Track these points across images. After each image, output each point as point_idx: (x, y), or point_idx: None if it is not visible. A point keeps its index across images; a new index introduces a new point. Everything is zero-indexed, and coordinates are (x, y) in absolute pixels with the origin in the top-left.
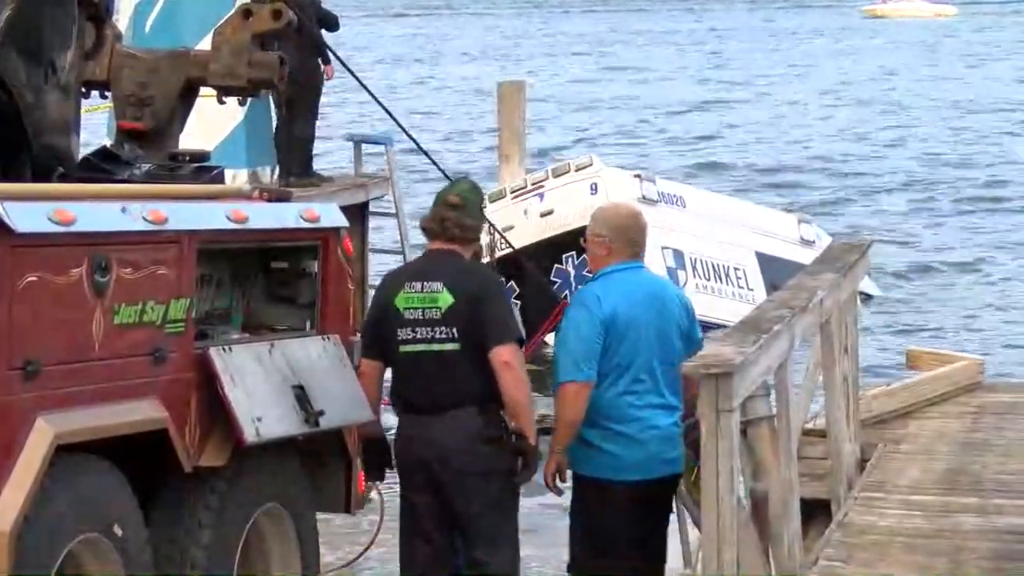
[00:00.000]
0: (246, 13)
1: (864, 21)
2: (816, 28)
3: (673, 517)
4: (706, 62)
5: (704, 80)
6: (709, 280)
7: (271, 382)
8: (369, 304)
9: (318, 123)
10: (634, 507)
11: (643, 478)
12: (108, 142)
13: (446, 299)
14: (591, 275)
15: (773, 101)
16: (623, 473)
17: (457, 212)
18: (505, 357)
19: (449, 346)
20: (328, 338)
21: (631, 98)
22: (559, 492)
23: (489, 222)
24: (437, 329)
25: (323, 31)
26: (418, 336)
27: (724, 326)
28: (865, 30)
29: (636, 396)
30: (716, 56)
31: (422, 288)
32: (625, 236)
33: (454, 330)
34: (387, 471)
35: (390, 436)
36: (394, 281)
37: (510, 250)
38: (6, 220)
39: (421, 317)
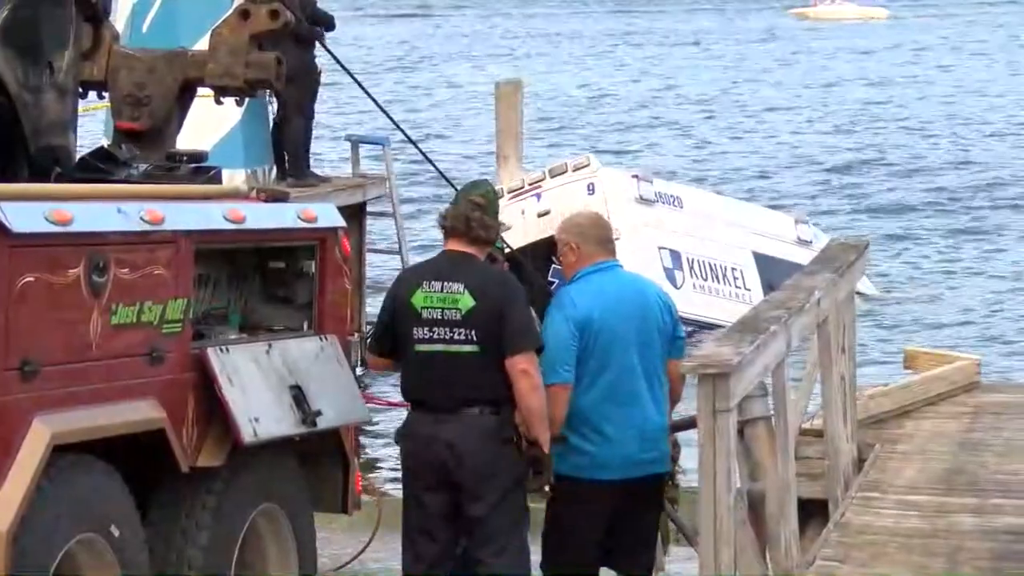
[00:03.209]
0: (244, 13)
1: (796, 24)
2: (749, 32)
3: None
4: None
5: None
6: (706, 280)
7: (268, 382)
8: (369, 302)
9: (315, 123)
10: (609, 506)
11: (620, 477)
12: (106, 142)
13: (467, 301)
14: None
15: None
16: (599, 472)
17: (481, 212)
18: (523, 365)
19: (467, 348)
20: (326, 338)
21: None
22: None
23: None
24: (456, 331)
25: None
26: (435, 336)
27: (721, 326)
28: (804, 34)
29: (615, 396)
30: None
31: (442, 288)
32: (588, 237)
33: (473, 333)
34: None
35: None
36: (411, 279)
37: (507, 250)
38: (3, 220)
39: (440, 317)
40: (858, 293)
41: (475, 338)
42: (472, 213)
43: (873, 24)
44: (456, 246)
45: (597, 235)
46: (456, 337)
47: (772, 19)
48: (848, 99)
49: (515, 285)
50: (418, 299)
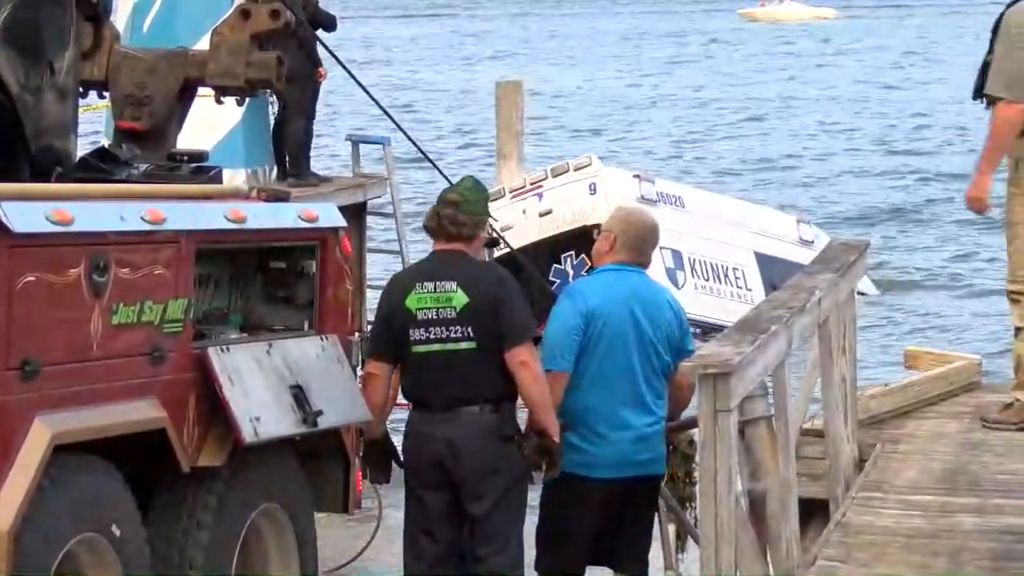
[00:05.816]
0: (244, 13)
1: (747, 25)
2: (707, 33)
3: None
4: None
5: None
6: (708, 280)
7: (269, 382)
8: (372, 306)
9: (315, 123)
10: (602, 505)
11: (614, 476)
12: (106, 142)
13: (460, 298)
14: (588, 271)
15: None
16: (593, 470)
17: (453, 209)
18: (522, 357)
19: (464, 345)
20: (326, 338)
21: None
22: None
23: (492, 219)
24: (452, 328)
25: (320, 31)
26: (432, 336)
27: (723, 326)
28: (761, 35)
29: (613, 396)
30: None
31: (435, 288)
32: (630, 237)
33: (469, 329)
34: (392, 473)
35: (396, 436)
36: (403, 282)
37: (508, 250)
38: (4, 220)
39: (435, 317)
40: (859, 293)
41: (471, 334)
42: (443, 211)
43: (822, 24)
44: (443, 245)
45: (639, 239)
46: (452, 335)
47: (722, 20)
48: (820, 98)
49: (508, 278)
50: (412, 301)
